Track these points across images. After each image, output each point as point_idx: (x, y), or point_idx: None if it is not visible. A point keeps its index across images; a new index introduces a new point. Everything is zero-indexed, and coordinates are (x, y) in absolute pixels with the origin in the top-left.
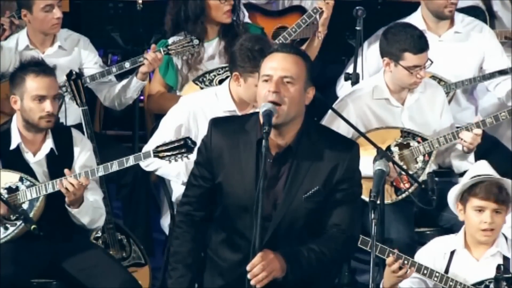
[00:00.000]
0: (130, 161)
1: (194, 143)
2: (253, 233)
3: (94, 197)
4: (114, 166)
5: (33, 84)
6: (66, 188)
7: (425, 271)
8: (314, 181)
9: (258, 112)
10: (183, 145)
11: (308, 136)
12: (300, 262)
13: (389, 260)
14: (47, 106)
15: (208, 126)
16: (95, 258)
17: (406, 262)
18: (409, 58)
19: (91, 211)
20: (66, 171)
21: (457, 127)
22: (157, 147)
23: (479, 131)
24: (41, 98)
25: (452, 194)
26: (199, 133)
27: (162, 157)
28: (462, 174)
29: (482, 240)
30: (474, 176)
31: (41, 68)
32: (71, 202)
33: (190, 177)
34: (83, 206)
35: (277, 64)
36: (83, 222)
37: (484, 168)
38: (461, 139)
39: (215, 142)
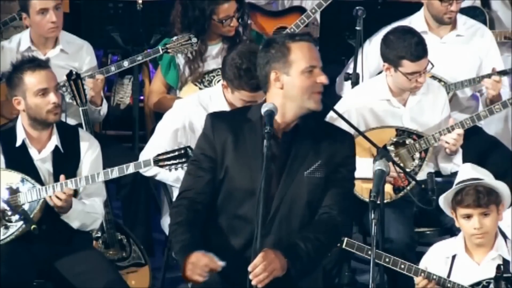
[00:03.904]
0: (131, 168)
1: None
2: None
3: (91, 201)
4: (114, 173)
5: (32, 79)
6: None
7: (422, 274)
8: (316, 158)
9: (259, 104)
10: (183, 154)
11: (313, 116)
12: (300, 256)
13: (418, 279)
14: (52, 97)
15: (208, 120)
16: (87, 261)
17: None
18: (407, 65)
19: (82, 216)
20: (61, 177)
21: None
22: (158, 155)
23: (460, 131)
24: (44, 92)
25: (442, 205)
26: (195, 136)
27: (162, 166)
28: None
29: (477, 243)
30: (457, 184)
31: (35, 63)
32: (59, 210)
33: (191, 168)
34: (71, 212)
35: (315, 54)
36: (73, 226)
37: (466, 173)
38: (444, 141)
39: (218, 132)
